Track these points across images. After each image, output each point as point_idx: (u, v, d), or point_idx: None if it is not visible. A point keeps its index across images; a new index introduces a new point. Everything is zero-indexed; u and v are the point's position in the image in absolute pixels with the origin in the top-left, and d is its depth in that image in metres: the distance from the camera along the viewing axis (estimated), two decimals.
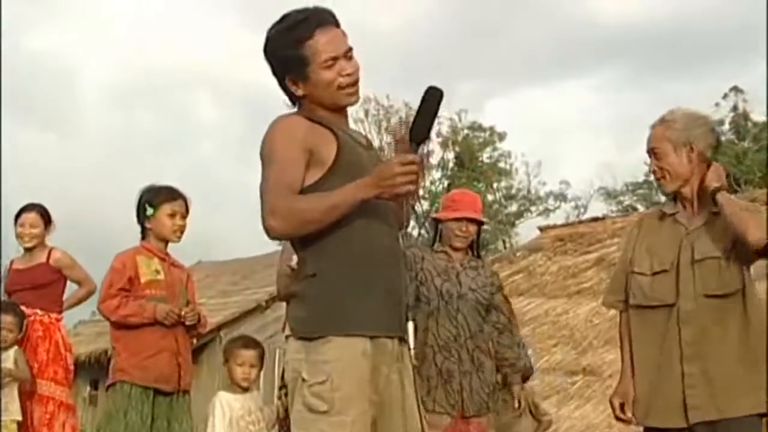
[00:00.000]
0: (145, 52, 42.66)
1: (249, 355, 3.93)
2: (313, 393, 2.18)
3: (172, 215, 4.07)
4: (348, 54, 2.31)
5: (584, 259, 10.37)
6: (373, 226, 2.27)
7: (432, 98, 2.21)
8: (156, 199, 4.06)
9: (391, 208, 2.33)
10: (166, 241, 4.12)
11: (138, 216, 4.11)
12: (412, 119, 2.24)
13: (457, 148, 30.13)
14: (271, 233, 2.19)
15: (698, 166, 2.91)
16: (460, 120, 30.40)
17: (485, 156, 30.35)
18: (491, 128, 30.15)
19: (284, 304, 4.63)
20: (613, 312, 3.25)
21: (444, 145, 30.00)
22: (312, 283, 2.25)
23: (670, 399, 2.85)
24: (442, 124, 30.10)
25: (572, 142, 42.73)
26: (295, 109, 2.39)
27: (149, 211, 4.05)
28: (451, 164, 30.11)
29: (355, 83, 2.33)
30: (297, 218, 2.17)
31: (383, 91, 29.78)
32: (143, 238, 4.13)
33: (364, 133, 2.49)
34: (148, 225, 4.08)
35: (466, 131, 30.52)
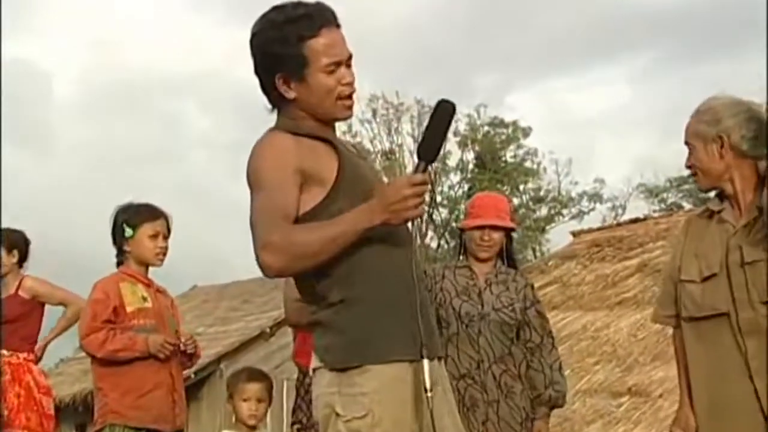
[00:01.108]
0: (120, 56, 42.97)
1: (255, 389, 3.92)
2: (351, 429, 2.19)
3: (154, 236, 4.06)
4: (349, 62, 2.31)
5: (624, 265, 10.31)
6: (393, 243, 2.28)
7: (443, 113, 2.21)
8: (135, 218, 4.06)
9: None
10: (147, 266, 4.12)
11: (114, 238, 4.10)
12: (420, 136, 2.25)
13: (477, 148, 30.13)
14: (267, 272, 2.17)
15: (735, 161, 2.87)
16: (479, 116, 30.48)
17: (509, 155, 30.36)
18: (514, 123, 30.17)
19: (291, 329, 4.63)
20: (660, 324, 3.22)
21: (462, 145, 30.02)
22: (339, 310, 2.26)
23: (741, 421, 2.80)
24: (459, 121, 30.15)
25: (606, 136, 42.73)
26: (275, 116, 2.37)
27: (128, 232, 4.04)
28: (470, 165, 30.11)
29: (352, 95, 2.33)
30: (294, 253, 2.15)
31: (392, 88, 29.95)
32: (120, 263, 4.12)
33: (352, 142, 2.51)
34: (126, 248, 4.07)
35: (486, 128, 30.54)
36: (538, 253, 27.19)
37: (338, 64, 2.28)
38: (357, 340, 2.23)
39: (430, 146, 2.22)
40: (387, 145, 29.99)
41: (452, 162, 30.12)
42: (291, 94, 2.30)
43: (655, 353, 8.21)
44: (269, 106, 2.37)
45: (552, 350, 3.90)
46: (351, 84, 2.31)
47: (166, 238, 4.11)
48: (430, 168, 2.23)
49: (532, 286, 4.02)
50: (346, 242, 2.16)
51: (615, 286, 9.99)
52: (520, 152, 30.41)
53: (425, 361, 2.21)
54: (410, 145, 29.93)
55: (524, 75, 47.06)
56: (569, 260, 11.08)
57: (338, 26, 2.31)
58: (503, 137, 30.31)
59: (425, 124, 2.26)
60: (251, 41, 2.32)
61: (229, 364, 13.94)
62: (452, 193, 29.55)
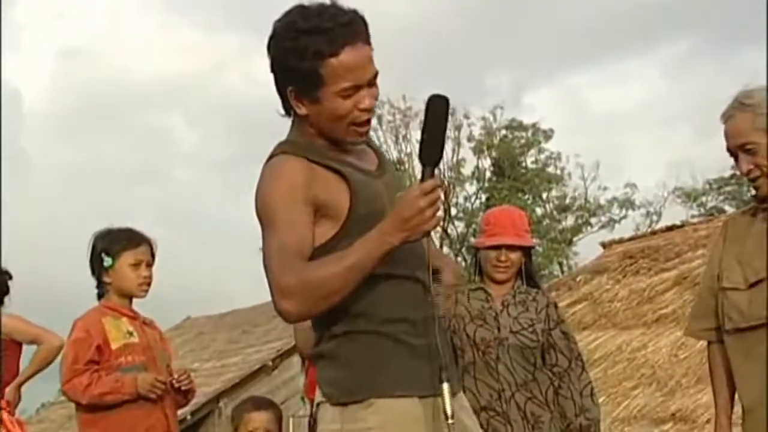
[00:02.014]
0: (93, 66, 43.15)
1: (263, 418, 3.92)
2: None
3: (136, 265, 4.04)
4: (372, 81, 2.29)
5: (661, 278, 10.30)
6: (404, 266, 2.30)
7: (437, 109, 2.22)
8: (114, 246, 4.04)
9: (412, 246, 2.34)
10: (131, 297, 4.12)
11: (93, 268, 4.09)
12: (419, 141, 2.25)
13: (494, 154, 30.18)
14: (287, 318, 2.21)
15: None
16: (495, 119, 30.57)
17: (529, 161, 30.42)
18: (534, 126, 30.25)
19: (296, 360, 4.63)
20: (704, 342, 3.22)
21: (478, 151, 30.07)
22: (343, 342, 2.30)
23: None
24: (473, 125, 30.22)
25: (637, 135, 42.76)
26: (288, 123, 2.39)
27: (107, 261, 4.03)
28: (488, 174, 30.16)
29: (369, 121, 2.34)
30: (315, 294, 2.17)
31: (399, 91, 29.98)
32: (101, 295, 4.11)
33: (371, 148, 2.50)
34: (106, 279, 4.05)
35: (503, 132, 30.61)
36: (565, 268, 27.20)
37: (358, 87, 2.26)
38: (362, 372, 2.26)
39: (430, 148, 2.22)
40: (395, 154, 30.06)
41: (467, 170, 30.19)
42: (302, 111, 2.30)
43: (699, 375, 8.17)
44: (282, 112, 2.38)
45: (582, 374, 3.89)
46: (369, 110, 2.29)
47: (149, 266, 4.10)
48: (437, 171, 2.24)
49: (556, 305, 4.00)
50: (365, 272, 2.17)
51: (651, 302, 9.97)
52: (542, 157, 30.49)
53: (445, 386, 2.21)
54: None
55: (543, 72, 47.21)
56: (600, 275, 11.07)
57: (367, 42, 2.28)
58: (522, 141, 30.36)
59: (422, 124, 2.26)
60: (268, 42, 2.31)
61: (229, 401, 13.94)
62: (468, 204, 29.59)
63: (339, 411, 2.27)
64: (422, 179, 2.19)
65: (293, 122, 2.39)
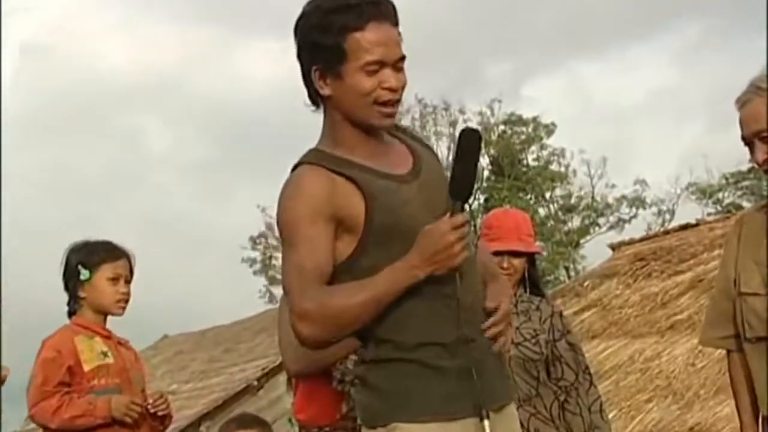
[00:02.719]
0: (58, 63, 43.04)
1: None
2: None
3: (114, 279, 4.06)
4: (398, 64, 2.40)
5: (675, 281, 10.32)
6: (429, 286, 2.36)
7: (469, 143, 2.36)
8: (92, 259, 4.06)
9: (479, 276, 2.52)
10: (106, 315, 4.12)
11: (67, 283, 4.10)
12: (450, 174, 2.38)
13: (492, 151, 30.24)
14: (305, 343, 2.35)
15: None
16: (492, 113, 30.66)
17: (531, 157, 30.53)
18: (535, 120, 30.32)
19: (282, 379, 4.63)
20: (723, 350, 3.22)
21: None
22: (371, 368, 2.43)
23: None
24: (469, 121, 30.25)
25: (646, 129, 42.82)
26: (320, 116, 2.47)
27: (84, 274, 4.04)
28: (486, 172, 30.20)
29: (396, 103, 2.42)
30: (333, 322, 2.32)
31: None
32: (72, 312, 4.12)
33: (407, 145, 2.55)
34: (81, 293, 4.07)
35: (501, 127, 30.68)
36: (572, 272, 27.27)
37: (382, 64, 2.36)
38: (385, 396, 2.39)
39: (461, 181, 2.37)
40: None
41: None
42: (326, 91, 2.40)
43: (718, 385, 8.18)
44: (310, 104, 2.48)
45: (590, 389, 3.90)
46: (394, 90, 2.39)
47: (128, 282, 4.12)
48: (466, 206, 2.39)
49: (561, 314, 4.01)
50: (387, 303, 2.32)
51: (665, 307, 9.99)
52: (544, 153, 30.60)
53: (486, 423, 2.34)
54: None
55: (543, 60, 47.28)
56: (609, 279, 11.09)
57: (394, 24, 2.41)
58: (523, 137, 30.45)
59: (452, 158, 2.40)
60: (296, 24, 2.43)
61: (212, 425, 13.93)
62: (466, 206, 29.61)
63: None
64: (452, 213, 2.32)
65: (324, 122, 2.49)
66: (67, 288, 4.11)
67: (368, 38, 2.34)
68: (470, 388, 2.37)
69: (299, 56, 2.44)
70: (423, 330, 2.38)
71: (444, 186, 2.44)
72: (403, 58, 2.41)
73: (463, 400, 2.37)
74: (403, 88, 2.42)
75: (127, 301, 4.11)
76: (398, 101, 2.42)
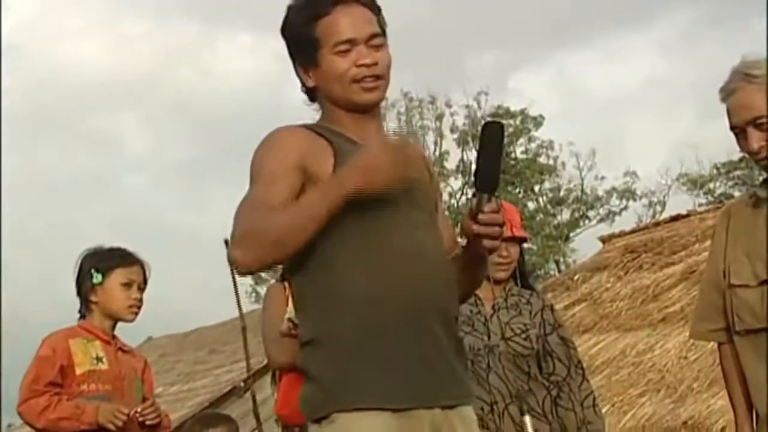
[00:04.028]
0: (27, 62, 42.76)
1: None
2: None
3: (127, 285, 4.10)
4: (371, 41, 2.45)
5: (666, 273, 10.36)
6: (403, 271, 2.34)
7: (493, 134, 2.39)
8: (105, 263, 4.10)
9: (439, 247, 2.46)
10: (116, 320, 4.14)
11: (79, 287, 4.13)
12: (474, 166, 2.42)
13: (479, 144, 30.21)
14: (237, 267, 2.30)
15: None
16: (479, 106, 30.63)
17: (519, 151, 30.49)
18: (522, 112, 30.30)
19: (270, 380, 4.62)
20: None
21: (462, 142, 30.12)
22: (310, 352, 2.36)
23: None
24: (456, 114, 30.28)
25: (636, 119, 42.87)
26: (313, 108, 2.53)
27: (97, 278, 4.07)
28: (474, 167, 30.17)
29: (377, 77, 2.45)
30: (263, 239, 2.24)
31: None
32: (83, 316, 4.14)
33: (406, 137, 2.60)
34: (93, 297, 4.09)
35: (489, 120, 30.63)
36: (562, 266, 27.28)
37: (352, 42, 2.42)
38: (325, 386, 2.31)
39: (486, 174, 2.40)
40: None
41: (451, 164, 30.24)
42: (310, 82, 2.49)
43: (712, 378, 8.21)
44: (309, 102, 2.55)
45: (582, 383, 3.91)
46: (369, 65, 2.42)
47: (141, 289, 4.15)
48: (494, 198, 2.39)
49: (552, 308, 4.03)
50: (319, 220, 2.23)
51: (657, 300, 10.02)
52: (533, 146, 30.56)
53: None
54: None
55: (530, 51, 47.29)
56: (600, 272, 11.12)
57: (366, 5, 2.48)
58: (510, 130, 30.39)
59: (476, 152, 2.46)
60: (281, 29, 2.53)
61: None
62: (453, 201, 29.61)
63: (314, 429, 2.33)
64: (478, 205, 2.35)
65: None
66: (79, 293, 4.14)
67: (336, 20, 2.42)
68: (422, 376, 2.33)
69: (288, 53, 2.52)
70: (372, 302, 2.31)
71: (431, 189, 2.51)
72: (376, 35, 2.45)
73: (424, 386, 2.32)
74: (385, 65, 2.46)
75: (139, 308, 4.15)
76: (379, 77, 2.45)
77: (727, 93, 2.93)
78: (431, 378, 2.35)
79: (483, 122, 2.50)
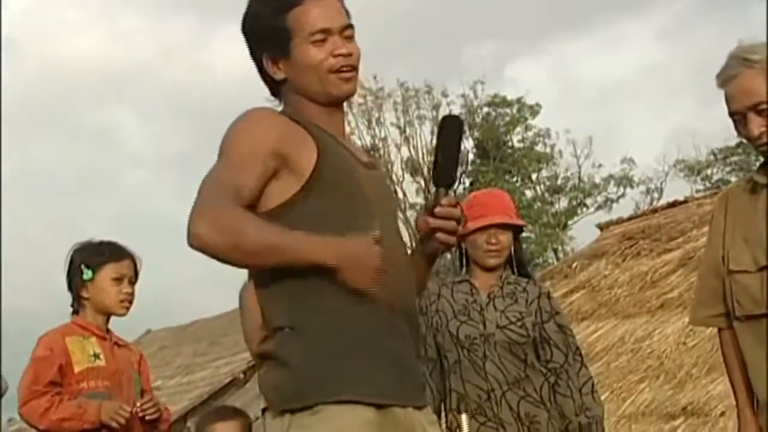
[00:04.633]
0: (23, 56, 42.68)
1: (229, 429, 3.94)
2: None
3: (118, 279, 4.09)
4: (345, 32, 2.41)
5: (664, 260, 10.35)
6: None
7: (450, 129, 2.42)
8: (95, 258, 4.09)
9: (402, 247, 2.47)
10: (108, 315, 4.13)
11: (70, 282, 4.13)
12: (432, 160, 2.44)
13: (476, 134, 30.22)
14: (192, 239, 2.19)
15: None
16: (475, 95, 30.60)
17: (515, 139, 30.50)
18: (519, 101, 30.28)
19: None
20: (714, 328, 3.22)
21: None
22: (288, 339, 2.29)
23: None
24: (453, 104, 30.25)
25: (633, 106, 42.88)
26: (278, 107, 2.47)
27: (87, 274, 4.06)
28: (471, 156, 30.20)
29: (352, 68, 2.42)
30: (230, 236, 2.18)
31: (369, 70, 29.90)
32: (75, 312, 4.14)
33: (367, 148, 2.59)
34: (84, 294, 4.09)
35: (485, 109, 30.65)
36: (560, 254, 27.29)
37: (327, 32, 2.38)
38: (306, 374, 2.25)
39: (444, 169, 2.42)
40: (368, 140, 30.01)
41: None
42: (280, 75, 2.42)
43: (711, 363, 8.21)
44: (271, 97, 2.50)
45: (581, 370, 3.91)
46: (346, 56, 2.39)
47: (132, 283, 4.14)
48: (451, 192, 2.41)
49: (549, 295, 4.02)
50: (285, 260, 2.21)
51: (655, 286, 10.02)
52: (529, 135, 30.56)
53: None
54: (396, 138, 29.99)
55: (525, 39, 47.24)
56: (598, 259, 11.11)
57: None
58: (507, 119, 30.41)
59: (435, 145, 2.47)
60: (242, 23, 2.47)
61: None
62: (450, 191, 29.60)
63: (284, 420, 2.26)
64: (435, 200, 2.37)
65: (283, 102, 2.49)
66: (70, 288, 4.14)
67: (308, 11, 2.38)
68: (399, 375, 2.32)
69: (251, 52, 2.46)
70: (350, 294, 2.26)
71: (388, 191, 2.54)
72: (349, 26, 2.42)
73: (396, 385, 2.31)
74: (358, 57, 2.43)
75: (131, 302, 4.13)
76: (355, 68, 2.42)
77: (725, 78, 2.91)
78: (406, 377, 2.36)
79: (443, 117, 2.51)
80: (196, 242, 2.19)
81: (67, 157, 42.69)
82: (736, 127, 2.94)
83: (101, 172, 42.81)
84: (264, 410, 2.35)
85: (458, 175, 2.48)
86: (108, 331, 4.15)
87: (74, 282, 4.10)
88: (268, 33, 2.40)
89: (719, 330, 3.10)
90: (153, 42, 45.21)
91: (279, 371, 2.29)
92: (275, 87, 2.47)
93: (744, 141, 2.97)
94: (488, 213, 3.92)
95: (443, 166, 2.42)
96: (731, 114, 2.92)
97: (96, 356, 4.03)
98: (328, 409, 2.22)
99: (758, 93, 2.84)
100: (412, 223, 19.20)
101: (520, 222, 4.03)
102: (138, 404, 4.00)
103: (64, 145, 43.41)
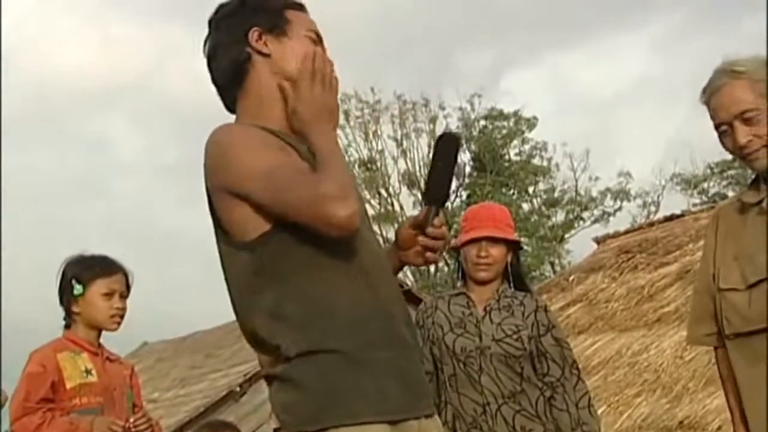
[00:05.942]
0: (15, 64, 42.64)
1: None
2: None
3: (109, 295, 4.08)
4: (322, 45, 2.47)
5: (661, 273, 10.37)
6: (371, 278, 2.31)
7: (447, 147, 2.39)
8: (86, 273, 4.08)
9: (385, 254, 2.45)
10: (100, 330, 4.13)
11: (62, 297, 4.12)
12: (426, 176, 2.40)
13: (473, 147, 30.28)
14: (343, 224, 2.15)
15: None
16: (472, 108, 30.67)
17: (512, 152, 30.57)
18: (516, 114, 30.37)
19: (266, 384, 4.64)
20: None
21: None
22: (298, 364, 2.26)
23: None
24: (450, 117, 30.31)
25: (629, 119, 42.92)
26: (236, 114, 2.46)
27: (77, 289, 4.05)
28: (468, 169, 30.26)
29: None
30: (353, 192, 2.19)
31: (366, 83, 30.00)
32: (68, 326, 4.13)
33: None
34: (75, 309, 4.08)
35: (482, 122, 30.71)
36: (557, 267, 27.32)
37: (319, 37, 2.46)
38: (321, 396, 2.22)
39: (437, 186, 2.39)
40: (365, 152, 30.09)
41: None
42: (266, 49, 2.40)
43: (707, 377, 8.22)
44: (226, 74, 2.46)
45: (578, 384, 3.90)
46: (331, 65, 2.42)
47: (123, 297, 4.12)
48: (441, 211, 2.40)
49: (546, 309, 4.01)
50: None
51: (652, 300, 10.04)
52: (526, 148, 30.64)
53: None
54: (393, 150, 30.05)
55: (521, 51, 47.30)
56: (595, 273, 11.14)
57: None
58: (504, 131, 30.47)
59: (430, 158, 2.47)
60: (215, 14, 2.49)
61: None
62: (448, 204, 29.68)
63: None
64: (426, 218, 2.36)
65: (247, 94, 2.44)
66: (61, 302, 4.12)
67: (304, 17, 2.47)
68: (408, 386, 2.30)
69: (230, 23, 2.45)
70: (356, 317, 2.26)
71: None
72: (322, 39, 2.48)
73: (408, 398, 2.29)
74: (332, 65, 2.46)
75: (122, 317, 4.12)
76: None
77: (712, 90, 2.91)
78: (414, 387, 2.34)
79: (440, 134, 2.47)
80: (348, 223, 2.15)
81: (60, 164, 42.64)
82: (721, 141, 2.93)
83: (93, 179, 42.78)
84: (276, 430, 2.33)
85: (451, 192, 2.44)
86: (100, 345, 4.14)
87: (65, 297, 4.10)
88: (269, 12, 2.43)
89: (715, 348, 3.09)
90: (146, 50, 45.25)
91: (292, 392, 2.27)
92: (244, 65, 2.42)
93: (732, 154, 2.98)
94: (479, 226, 3.94)
95: (436, 183, 2.40)
96: (717, 126, 2.91)
97: (88, 372, 4.02)
98: (346, 431, 2.20)
99: (745, 101, 2.85)
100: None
101: (510, 236, 4.00)
102: (131, 420, 3.98)
103: (58, 153, 43.37)
